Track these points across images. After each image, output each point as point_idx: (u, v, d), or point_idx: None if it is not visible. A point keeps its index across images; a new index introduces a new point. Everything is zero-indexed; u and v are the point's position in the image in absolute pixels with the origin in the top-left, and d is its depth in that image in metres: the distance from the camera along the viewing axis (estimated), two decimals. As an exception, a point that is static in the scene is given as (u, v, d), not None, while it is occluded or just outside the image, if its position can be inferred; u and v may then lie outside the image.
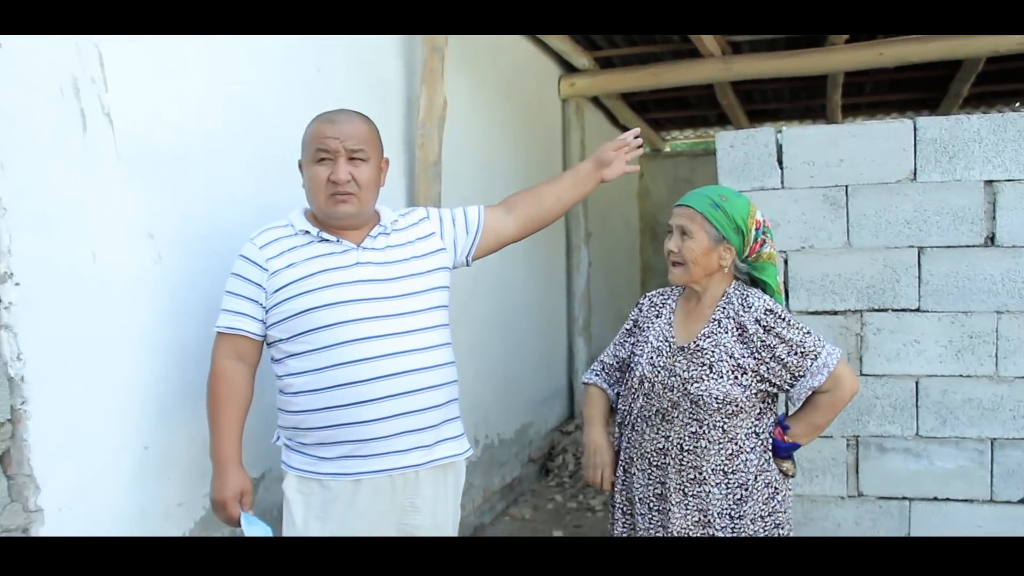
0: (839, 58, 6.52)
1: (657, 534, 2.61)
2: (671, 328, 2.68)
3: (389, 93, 4.19)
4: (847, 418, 3.76)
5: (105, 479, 2.52)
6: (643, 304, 2.84)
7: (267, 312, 2.51)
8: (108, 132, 2.51)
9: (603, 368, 2.88)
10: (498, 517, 5.57)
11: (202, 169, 2.89)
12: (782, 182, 3.77)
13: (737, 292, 2.60)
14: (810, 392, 2.53)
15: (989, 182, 3.59)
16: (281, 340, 2.51)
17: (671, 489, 2.56)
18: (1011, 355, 3.60)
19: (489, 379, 5.55)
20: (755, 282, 2.69)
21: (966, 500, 3.69)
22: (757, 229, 2.60)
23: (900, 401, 3.71)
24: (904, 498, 3.75)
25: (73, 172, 2.40)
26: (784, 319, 2.52)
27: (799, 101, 9.10)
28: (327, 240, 2.54)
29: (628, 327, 2.84)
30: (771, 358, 2.50)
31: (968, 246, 3.61)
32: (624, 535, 2.73)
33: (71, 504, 2.39)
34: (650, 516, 2.63)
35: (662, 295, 2.82)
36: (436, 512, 2.63)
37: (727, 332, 2.54)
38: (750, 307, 2.54)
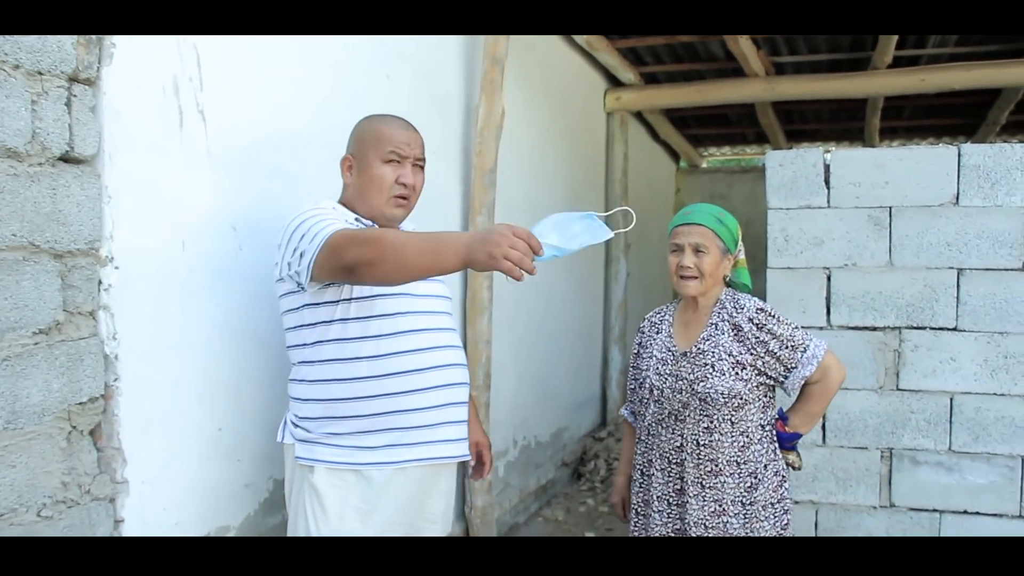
0: (881, 82, 6.61)
1: (674, 527, 2.77)
2: (672, 339, 2.85)
3: (449, 101, 4.34)
4: (882, 430, 3.87)
5: (183, 457, 2.65)
6: (644, 327, 3.02)
7: (327, 288, 2.43)
8: (201, 129, 2.67)
9: (631, 400, 3.05)
10: (531, 518, 5.68)
11: (281, 167, 3.04)
12: (828, 201, 3.89)
13: (729, 297, 2.80)
14: (802, 382, 2.71)
15: (1029, 208, 3.70)
16: (338, 320, 2.44)
17: (689, 483, 2.73)
18: (1045, 376, 3.69)
19: (529, 383, 5.68)
20: (737, 286, 2.89)
21: (995, 515, 3.79)
22: (741, 239, 2.85)
23: (934, 416, 3.82)
24: (935, 510, 3.86)
25: (170, 166, 2.56)
26: (774, 316, 2.71)
27: (838, 123, 9.18)
28: None
29: (635, 351, 3.02)
30: (765, 352, 2.69)
31: (1006, 269, 3.71)
32: (636, 533, 2.90)
33: (153, 478, 2.53)
34: (668, 511, 2.79)
35: (659, 313, 3.01)
36: (448, 502, 2.71)
37: (724, 333, 2.73)
38: (742, 308, 2.74)
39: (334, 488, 2.49)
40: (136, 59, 2.42)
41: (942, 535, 3.83)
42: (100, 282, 2.33)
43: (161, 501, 2.57)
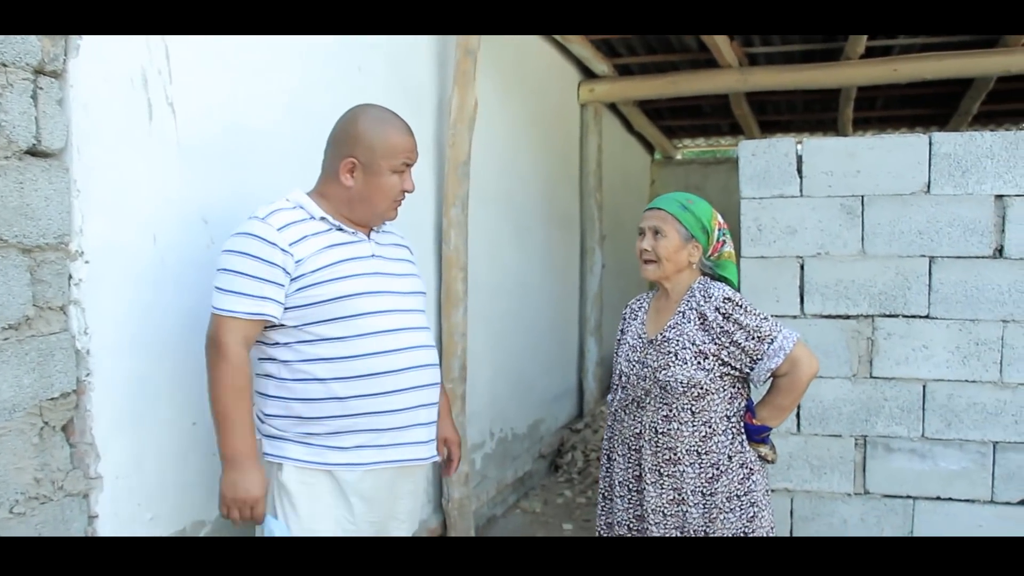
0: (854, 72, 6.63)
1: (634, 513, 2.78)
2: (644, 326, 2.86)
3: (422, 93, 4.34)
4: (856, 418, 3.90)
5: (157, 451, 2.64)
6: (625, 313, 3.03)
7: (287, 296, 2.41)
8: (171, 122, 2.65)
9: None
10: (509, 510, 5.68)
11: (253, 159, 3.03)
12: (801, 190, 3.91)
13: (700, 285, 2.77)
14: (769, 374, 2.68)
15: (999, 196, 3.73)
16: (303, 325, 2.43)
17: (646, 470, 2.72)
18: (1015, 362, 3.74)
19: (505, 375, 5.68)
20: (719, 279, 2.85)
21: (968, 500, 3.84)
22: (719, 229, 2.82)
23: (907, 403, 3.85)
24: (908, 497, 3.89)
25: (140, 159, 2.54)
26: (741, 306, 2.68)
27: (811, 114, 9.20)
28: (343, 230, 2.53)
29: (617, 338, 3.02)
30: (730, 343, 2.66)
31: (977, 257, 3.75)
32: (602, 518, 2.92)
33: (127, 473, 2.52)
34: (628, 497, 2.79)
35: (638, 300, 3.01)
36: (416, 502, 2.73)
37: (690, 322, 2.71)
38: (710, 297, 2.70)
39: (304, 487, 2.48)
40: (103, 52, 2.40)
41: (916, 522, 3.88)
42: (70, 276, 2.32)
43: (135, 496, 2.56)
